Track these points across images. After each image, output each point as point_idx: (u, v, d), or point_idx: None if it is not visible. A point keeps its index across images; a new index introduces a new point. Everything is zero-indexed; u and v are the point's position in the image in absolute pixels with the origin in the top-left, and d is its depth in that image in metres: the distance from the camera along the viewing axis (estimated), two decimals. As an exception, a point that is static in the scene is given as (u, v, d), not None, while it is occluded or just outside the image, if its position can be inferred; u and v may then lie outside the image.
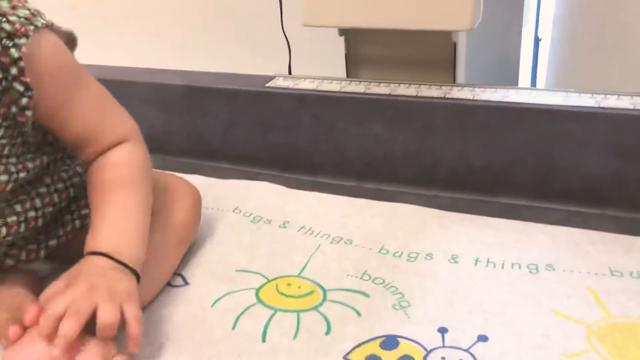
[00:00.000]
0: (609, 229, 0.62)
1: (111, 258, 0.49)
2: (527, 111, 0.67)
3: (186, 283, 0.59)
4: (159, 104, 0.89)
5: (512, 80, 0.92)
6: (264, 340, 0.51)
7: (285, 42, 0.87)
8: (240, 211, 0.72)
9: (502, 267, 0.58)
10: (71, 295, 0.45)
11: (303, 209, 0.72)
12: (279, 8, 0.84)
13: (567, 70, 0.96)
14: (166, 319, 0.54)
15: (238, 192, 0.77)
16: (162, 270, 0.58)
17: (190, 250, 0.64)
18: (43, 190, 0.55)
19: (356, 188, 0.77)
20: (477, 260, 0.59)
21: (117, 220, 0.51)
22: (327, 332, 0.51)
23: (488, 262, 0.59)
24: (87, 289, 0.46)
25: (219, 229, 0.68)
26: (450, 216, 0.67)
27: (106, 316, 0.45)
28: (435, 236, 0.64)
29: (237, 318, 0.53)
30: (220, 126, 0.86)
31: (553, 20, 0.99)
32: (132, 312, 0.46)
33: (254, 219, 0.70)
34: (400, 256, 0.61)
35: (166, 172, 0.67)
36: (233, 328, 0.52)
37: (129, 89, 0.90)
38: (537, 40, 1.04)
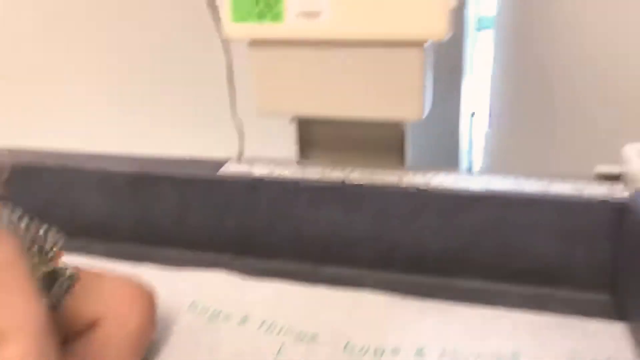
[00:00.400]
0: (562, 311, 0.65)
1: None
2: (478, 197, 0.70)
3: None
4: (105, 191, 0.86)
5: (454, 156, 0.96)
6: None
7: (237, 126, 0.88)
8: (197, 307, 0.70)
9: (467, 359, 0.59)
10: None
11: (262, 301, 0.71)
12: (228, 93, 0.85)
13: (503, 146, 1.01)
14: None
15: (193, 284, 0.75)
16: None
17: (147, 358, 0.61)
18: None
19: (314, 272, 0.77)
20: (443, 353, 0.60)
21: None
22: None
23: (455, 352, 0.60)
24: None
25: (175, 330, 0.66)
26: (413, 304, 0.68)
27: None
28: (399, 328, 0.64)
29: None
30: (171, 212, 0.84)
31: (490, 93, 1.04)
32: None
33: (211, 316, 0.68)
34: (366, 352, 0.61)
35: (116, 274, 0.64)
36: None
37: (72, 177, 0.87)
38: (472, 114, 1.09)
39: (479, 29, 0.97)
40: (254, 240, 0.81)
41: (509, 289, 0.70)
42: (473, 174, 0.74)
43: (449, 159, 0.92)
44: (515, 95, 0.99)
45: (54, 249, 0.60)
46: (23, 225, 0.58)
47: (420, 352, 0.60)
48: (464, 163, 0.96)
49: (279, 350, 0.62)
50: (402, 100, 0.70)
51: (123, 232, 0.88)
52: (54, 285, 0.58)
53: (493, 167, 1.02)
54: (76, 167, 0.87)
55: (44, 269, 0.57)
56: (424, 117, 0.71)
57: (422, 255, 0.74)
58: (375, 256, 0.77)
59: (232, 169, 0.82)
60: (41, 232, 0.60)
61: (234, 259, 0.81)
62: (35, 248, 0.58)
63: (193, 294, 0.72)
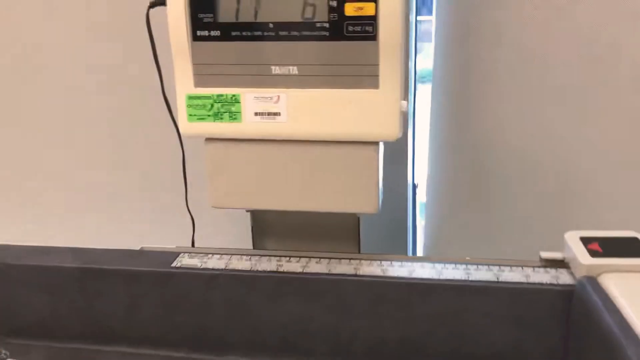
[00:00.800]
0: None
1: None
2: (432, 287, 0.72)
3: None
4: (46, 287, 0.82)
5: (402, 239, 1.00)
6: None
7: (189, 216, 0.87)
8: None
9: None
10: None
11: None
12: (183, 183, 0.85)
13: (443, 224, 1.06)
14: None
15: None
16: None
17: None
18: None
19: (273, 367, 0.77)
20: None
21: None
22: None
23: None
24: None
25: None
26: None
27: None
28: None
29: None
30: (119, 308, 0.81)
31: (428, 164, 1.09)
32: None
33: None
34: None
35: None
36: None
37: (7, 273, 0.83)
38: (413, 187, 1.14)
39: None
40: (209, 336, 0.80)
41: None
42: (425, 261, 0.76)
43: (398, 241, 0.96)
44: (452, 171, 1.04)
45: None
46: None
47: None
48: (410, 245, 0.99)
49: None
50: (359, 194, 0.72)
51: (66, 331, 0.83)
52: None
53: (436, 245, 1.07)
54: (10, 263, 0.82)
55: None
56: (379, 209, 0.74)
57: (381, 345, 0.76)
58: (335, 347, 0.77)
59: (185, 261, 0.80)
60: None
61: (187, 355, 0.79)
62: None
63: None
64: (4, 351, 0.58)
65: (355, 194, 0.72)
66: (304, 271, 0.76)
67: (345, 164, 0.71)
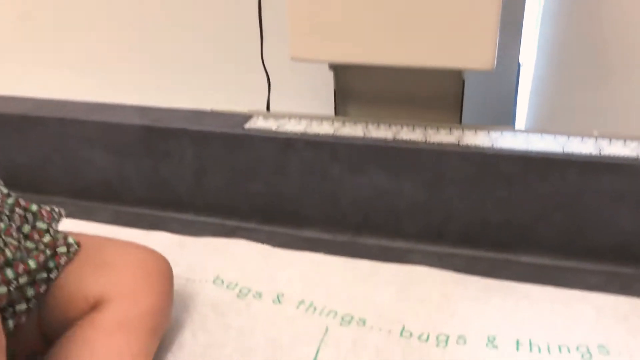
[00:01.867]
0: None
1: None
2: (553, 162, 0.61)
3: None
4: (111, 146, 0.77)
5: (507, 115, 0.87)
6: None
7: (265, 74, 0.78)
8: (223, 282, 0.62)
9: (549, 351, 0.51)
10: None
11: (297, 276, 0.63)
12: (259, 36, 0.75)
13: (555, 100, 0.92)
14: None
15: (216, 255, 0.67)
16: None
17: (165, 342, 0.53)
18: None
19: (352, 244, 0.69)
20: (518, 344, 0.52)
21: None
22: None
23: (531, 345, 0.52)
24: None
25: (198, 310, 0.58)
26: (474, 283, 0.60)
27: None
28: (462, 311, 0.56)
29: None
30: (187, 172, 0.75)
31: (538, 41, 0.94)
32: None
33: (240, 293, 0.60)
34: (427, 340, 0.53)
35: (124, 243, 0.55)
36: None
37: (73, 129, 0.78)
38: (518, 67, 1.00)
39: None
40: (283, 207, 0.73)
41: (586, 268, 0.62)
42: (545, 133, 0.64)
43: (502, 118, 0.83)
44: (565, 47, 0.89)
45: (50, 230, 0.51)
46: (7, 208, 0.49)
47: (491, 341, 0.52)
48: (517, 121, 0.87)
49: (323, 337, 0.54)
50: (472, 45, 0.60)
51: (131, 195, 0.79)
52: (48, 262, 0.49)
53: (539, 123, 0.94)
54: (77, 119, 0.77)
55: (39, 255, 0.48)
56: (494, 67, 0.61)
57: (480, 228, 0.66)
58: (425, 228, 0.68)
59: (259, 124, 0.72)
60: (33, 209, 0.51)
61: (260, 228, 0.73)
62: (24, 231, 0.49)
63: (216, 267, 0.64)
64: (57, 209, 0.53)
65: (467, 45, 0.60)
66: (396, 138, 0.67)
67: (458, 6, 0.59)
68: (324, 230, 0.71)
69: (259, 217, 0.73)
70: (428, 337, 0.53)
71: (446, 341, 0.53)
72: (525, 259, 0.64)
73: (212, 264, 0.65)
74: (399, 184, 0.67)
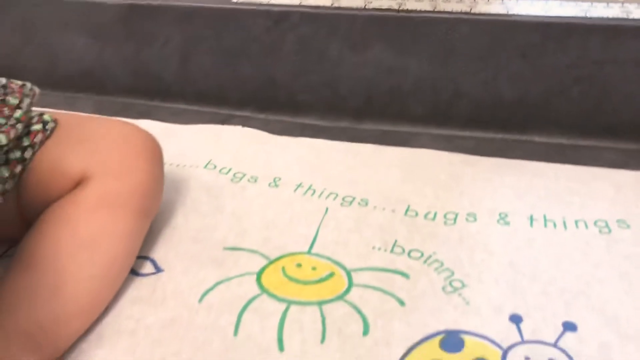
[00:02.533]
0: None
1: None
2: (576, 29, 0.56)
3: (158, 270, 0.46)
4: (89, 29, 0.71)
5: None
6: (281, 348, 0.39)
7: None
8: (215, 166, 0.58)
9: (565, 226, 0.48)
10: None
11: (295, 161, 0.59)
12: None
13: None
14: (136, 324, 0.41)
15: (208, 140, 0.63)
16: (119, 262, 0.44)
17: (156, 225, 0.50)
18: None
19: (354, 130, 0.65)
20: (532, 219, 0.49)
21: None
22: (365, 332, 0.40)
23: (546, 220, 0.49)
24: None
25: (190, 193, 0.54)
26: (484, 162, 0.57)
27: None
28: (472, 190, 0.53)
29: (239, 318, 0.41)
30: (173, 56, 0.70)
31: None
32: None
33: (234, 177, 0.57)
34: (434, 218, 0.50)
35: (110, 118, 0.51)
36: (235, 334, 0.40)
37: (46, 11, 0.72)
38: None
39: None
40: (278, 91, 0.68)
41: (604, 146, 0.58)
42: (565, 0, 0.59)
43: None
44: None
45: (22, 106, 0.46)
46: None
47: (503, 218, 0.49)
48: None
49: (323, 218, 0.51)
50: None
51: (115, 84, 0.74)
52: (21, 140, 0.45)
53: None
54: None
55: (10, 130, 0.44)
56: None
57: (492, 106, 0.62)
58: (432, 109, 0.64)
59: (249, -2, 0.66)
60: (2, 81, 0.47)
61: (254, 116, 0.68)
62: None
63: (209, 152, 0.60)
64: (30, 85, 0.48)
65: None
66: (400, 8, 0.61)
67: None
68: (323, 117, 0.67)
69: (252, 104, 0.69)
70: (435, 215, 0.50)
71: (455, 219, 0.50)
72: (539, 138, 0.61)
73: (204, 150, 0.61)
74: (404, 61, 0.62)
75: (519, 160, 0.56)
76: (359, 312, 0.41)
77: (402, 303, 0.42)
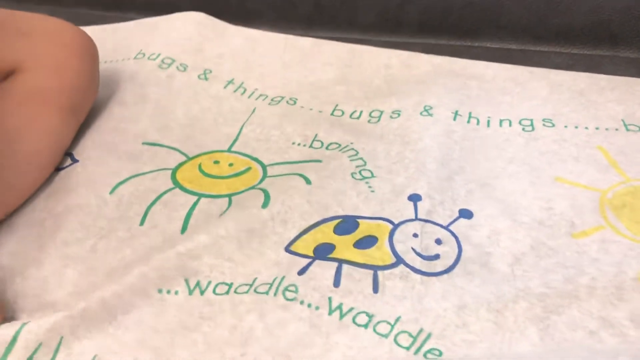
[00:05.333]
0: (621, 73, 0.52)
1: None
2: None
3: (74, 161, 0.48)
4: None
5: None
6: (183, 231, 0.41)
7: None
8: (144, 55, 0.58)
9: (488, 124, 0.48)
10: None
11: (230, 53, 0.59)
12: None
13: None
14: (47, 214, 0.43)
15: (145, 31, 0.62)
16: (44, 157, 0.46)
17: (84, 122, 0.51)
18: None
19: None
20: (456, 114, 0.49)
21: None
22: (265, 205, 0.41)
23: (470, 117, 0.49)
24: None
25: (115, 82, 0.55)
26: (423, 63, 0.56)
27: None
28: (404, 89, 0.53)
29: (147, 210, 0.43)
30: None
31: None
32: None
33: (162, 63, 0.56)
34: (359, 117, 0.51)
35: (44, 15, 0.52)
36: (141, 224, 0.42)
37: None
38: None
39: None
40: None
41: (553, 51, 0.58)
42: None
43: None
44: None
45: None
46: None
47: (427, 110, 0.49)
48: None
49: (249, 116, 0.52)
50: None
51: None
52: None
53: None
54: None
55: None
56: None
57: (442, 12, 0.61)
58: (381, 16, 0.63)
59: None
60: None
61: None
62: None
63: (142, 42, 0.60)
64: None
65: None
66: None
67: None
68: (274, 25, 0.67)
69: (202, 10, 0.69)
70: (361, 114, 0.51)
71: (379, 117, 0.50)
72: (490, 44, 0.60)
73: (138, 40, 0.61)
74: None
75: (459, 59, 0.56)
76: (264, 190, 0.42)
77: (308, 181, 0.43)
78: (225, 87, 0.55)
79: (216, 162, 0.47)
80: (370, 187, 0.43)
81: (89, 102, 0.51)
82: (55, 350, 0.34)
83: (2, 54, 0.46)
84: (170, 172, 0.46)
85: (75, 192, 0.44)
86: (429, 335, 0.33)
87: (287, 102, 0.53)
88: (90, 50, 0.50)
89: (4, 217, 0.43)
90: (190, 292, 0.37)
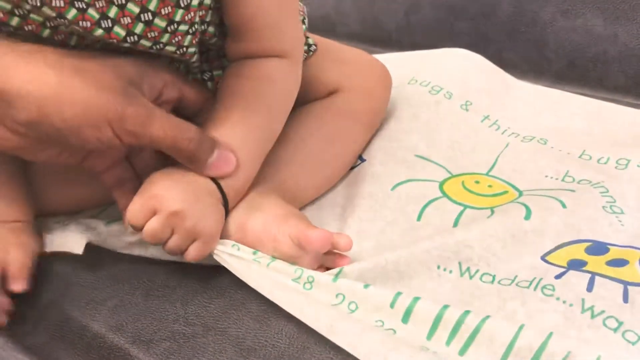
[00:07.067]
0: None
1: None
2: None
3: (362, 160, 0.60)
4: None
5: None
6: (455, 225, 0.50)
7: None
8: (417, 81, 0.69)
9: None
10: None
11: (487, 90, 0.68)
12: None
13: None
14: (347, 197, 0.56)
15: (416, 61, 0.74)
16: (347, 158, 0.59)
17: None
18: None
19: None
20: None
21: (237, 140, 0.47)
22: (527, 217, 0.48)
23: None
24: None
25: (392, 102, 0.65)
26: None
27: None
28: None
29: (422, 209, 0.53)
30: (399, 9, 0.84)
31: None
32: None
33: (432, 89, 0.67)
34: (606, 162, 0.57)
35: (354, 48, 0.64)
36: (418, 219, 0.52)
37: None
38: None
39: None
40: (488, 49, 0.78)
41: None
42: None
43: None
44: None
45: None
46: None
47: None
48: None
49: (503, 150, 0.60)
50: None
51: (346, 28, 0.89)
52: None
53: None
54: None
55: None
56: None
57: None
58: (631, 80, 0.69)
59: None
60: None
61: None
62: None
63: (413, 70, 0.71)
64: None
65: None
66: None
67: None
68: (524, 75, 0.75)
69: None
70: (608, 160, 0.57)
71: (626, 165, 0.56)
72: None
73: (409, 70, 0.71)
74: (614, 28, 0.68)
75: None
76: (525, 205, 0.50)
77: (564, 205, 0.49)
78: (482, 121, 0.65)
79: (477, 182, 0.57)
80: (620, 221, 0.49)
81: (381, 120, 0.63)
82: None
83: (330, 77, 0.59)
84: (437, 184, 0.56)
85: (366, 183, 0.56)
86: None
87: (537, 141, 0.61)
88: (388, 81, 0.63)
89: (314, 198, 0.56)
90: (461, 274, 0.46)
